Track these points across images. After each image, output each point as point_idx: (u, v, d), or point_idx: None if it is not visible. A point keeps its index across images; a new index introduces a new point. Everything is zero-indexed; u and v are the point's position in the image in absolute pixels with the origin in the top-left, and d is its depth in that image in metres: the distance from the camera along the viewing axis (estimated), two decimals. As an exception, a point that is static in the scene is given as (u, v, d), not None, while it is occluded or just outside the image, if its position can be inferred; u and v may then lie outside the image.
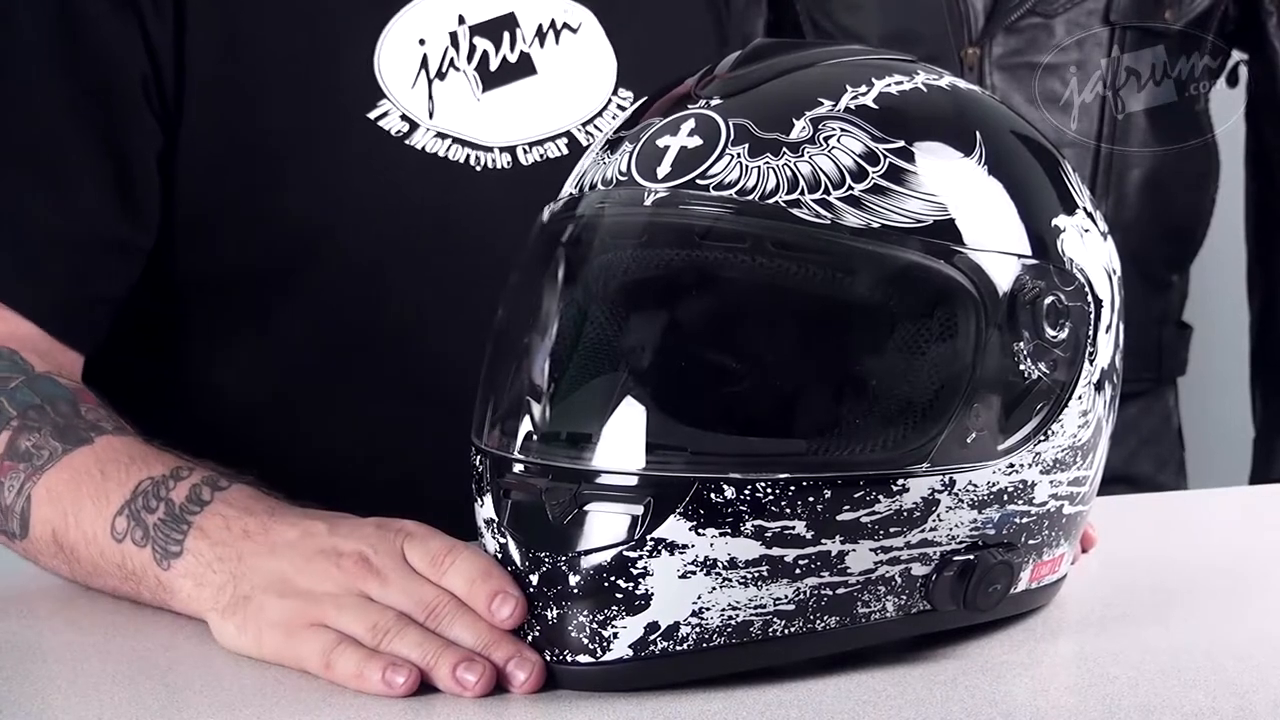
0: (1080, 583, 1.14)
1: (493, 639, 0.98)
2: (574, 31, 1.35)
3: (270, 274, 1.29)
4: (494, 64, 1.32)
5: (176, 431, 1.17)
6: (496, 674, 0.97)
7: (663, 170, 0.99)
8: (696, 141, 0.99)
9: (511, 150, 1.31)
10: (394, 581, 1.01)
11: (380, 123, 1.29)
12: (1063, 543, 1.07)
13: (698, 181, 0.98)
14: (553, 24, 1.35)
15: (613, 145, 1.03)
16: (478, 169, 1.30)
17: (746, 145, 0.98)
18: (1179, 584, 1.17)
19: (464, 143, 1.30)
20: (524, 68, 1.34)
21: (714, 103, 1.01)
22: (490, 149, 1.31)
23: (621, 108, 1.34)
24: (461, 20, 1.32)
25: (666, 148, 1.00)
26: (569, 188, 1.06)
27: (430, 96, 1.30)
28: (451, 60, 1.31)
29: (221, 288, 1.30)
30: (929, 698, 0.96)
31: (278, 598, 1.02)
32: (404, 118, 1.29)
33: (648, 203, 0.99)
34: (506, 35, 1.33)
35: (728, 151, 0.98)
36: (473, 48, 1.32)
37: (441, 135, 1.30)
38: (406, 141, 1.29)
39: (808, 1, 1.94)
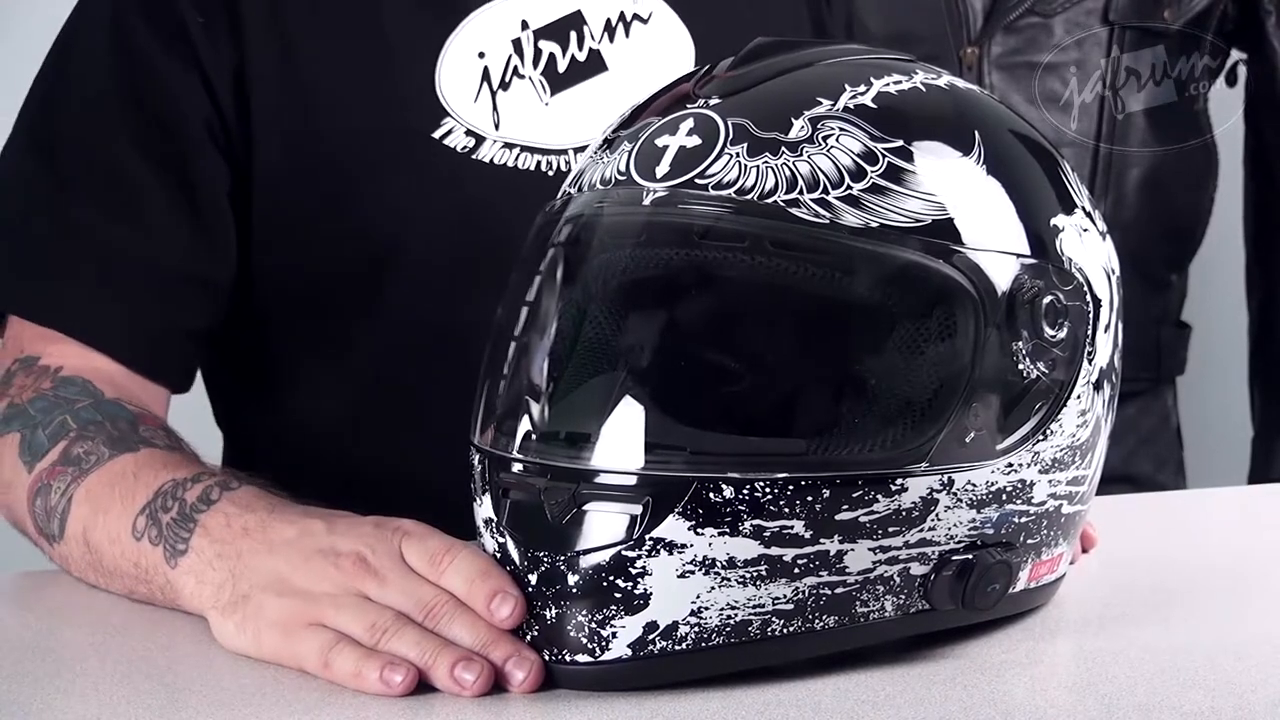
0: (1079, 582, 1.14)
1: (491, 638, 0.98)
2: (644, 22, 1.35)
3: (344, 294, 1.30)
4: (562, 65, 1.32)
5: (267, 457, 1.18)
6: (495, 673, 0.97)
7: (661, 170, 0.99)
8: (695, 141, 0.99)
9: (585, 150, 1.31)
10: (392, 581, 1.01)
11: (445, 141, 1.29)
12: (1061, 542, 1.07)
13: (696, 181, 0.98)
14: (621, 17, 1.34)
15: (611, 144, 1.03)
16: (550, 174, 1.30)
17: (745, 145, 0.98)
18: (1178, 584, 1.17)
19: (533, 150, 1.30)
20: (594, 65, 1.33)
21: (713, 102, 1.01)
22: (563, 151, 1.31)
23: None
24: (525, 25, 1.32)
25: (665, 147, 1.00)
26: (568, 187, 1.06)
27: (495, 108, 1.30)
28: (515, 68, 1.31)
29: (298, 310, 1.32)
30: (928, 697, 0.96)
31: (276, 597, 1.02)
32: (469, 133, 1.29)
33: (646, 202, 0.99)
34: (574, 34, 1.33)
35: (726, 151, 0.98)
36: (538, 52, 1.32)
37: (509, 145, 1.30)
38: (473, 156, 1.29)
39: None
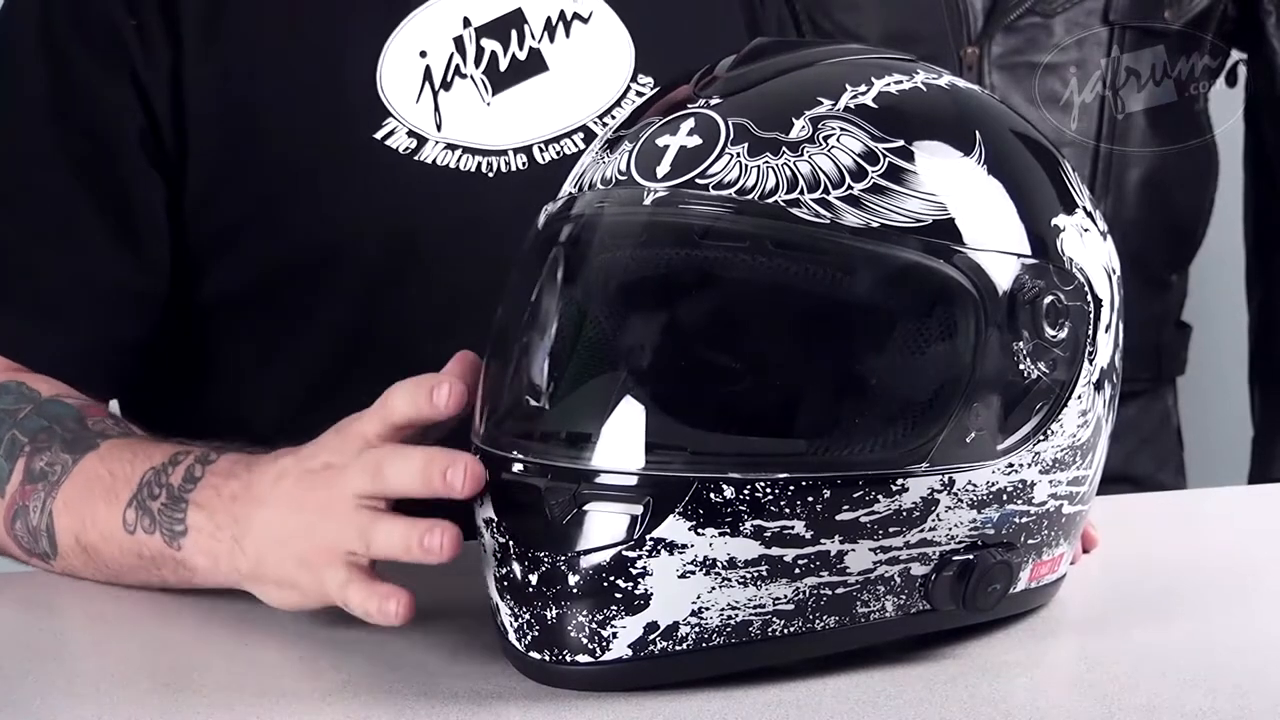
0: (1080, 582, 1.14)
1: (427, 458, 1.00)
2: (584, 21, 1.34)
3: (288, 296, 1.30)
4: (503, 64, 1.32)
5: None
6: (459, 533, 1.00)
7: (662, 170, 0.99)
8: (696, 141, 0.99)
9: (527, 150, 1.31)
10: (350, 465, 1.03)
11: (388, 142, 1.28)
12: (1062, 542, 1.07)
13: (697, 181, 0.98)
14: (562, 16, 1.34)
15: (612, 145, 1.03)
16: (490, 175, 1.30)
17: (746, 145, 0.98)
18: (1179, 584, 1.17)
19: (474, 150, 1.30)
20: (534, 65, 1.33)
21: (713, 102, 1.01)
22: (504, 152, 1.30)
23: (641, 94, 1.33)
24: (467, 23, 1.31)
25: (666, 147, 1.00)
26: (568, 187, 1.05)
27: (436, 108, 1.29)
28: (457, 68, 1.30)
29: (242, 312, 1.31)
30: (929, 698, 0.96)
31: (286, 545, 1.05)
32: (411, 134, 1.29)
33: (647, 202, 0.99)
34: (514, 33, 1.32)
35: (727, 151, 0.98)
36: (480, 50, 1.31)
37: (451, 146, 1.29)
38: (415, 157, 1.29)
39: (807, 0, 1.94)
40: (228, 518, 1.08)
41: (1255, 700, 0.97)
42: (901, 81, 1.03)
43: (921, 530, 0.98)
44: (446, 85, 1.30)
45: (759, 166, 0.98)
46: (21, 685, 1.00)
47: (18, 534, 1.18)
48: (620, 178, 1.01)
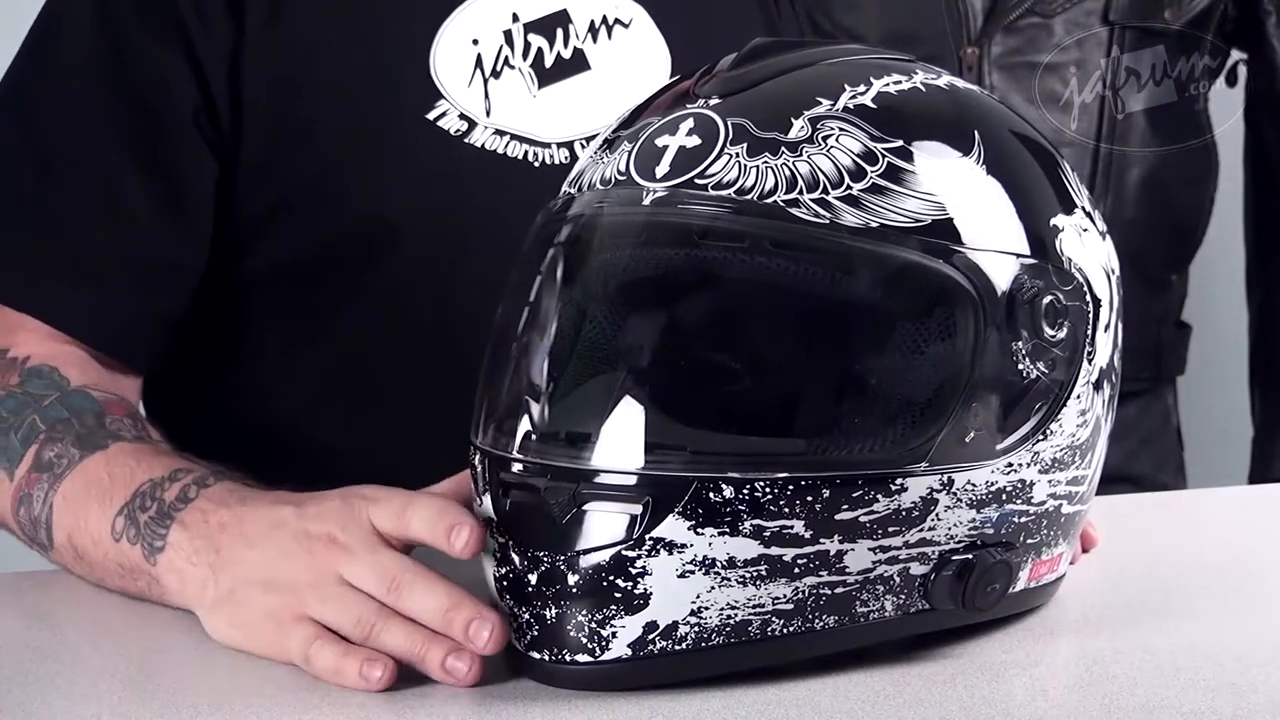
0: (1079, 582, 1.14)
1: (452, 602, 0.98)
2: (625, 27, 1.37)
3: (332, 274, 1.30)
4: (549, 60, 1.34)
5: (231, 437, 1.19)
6: (484, 662, 0.97)
7: (661, 170, 0.99)
8: (695, 141, 0.99)
9: (569, 145, 1.32)
10: (360, 555, 1.01)
11: (439, 123, 1.30)
12: (1061, 542, 1.07)
13: (696, 181, 0.98)
14: (604, 20, 1.36)
15: (611, 144, 1.03)
16: (536, 165, 1.31)
17: (745, 145, 0.98)
18: (1178, 584, 1.17)
19: (522, 139, 1.31)
20: (578, 63, 1.35)
21: (712, 102, 1.01)
22: (548, 145, 1.32)
23: None
24: (515, 18, 1.33)
25: (665, 147, 1.00)
26: (568, 187, 1.06)
27: (486, 95, 1.31)
28: (506, 58, 1.32)
29: (284, 290, 1.32)
30: (928, 698, 0.96)
31: (262, 592, 1.02)
32: (462, 116, 1.30)
33: (646, 202, 0.99)
34: (560, 32, 1.34)
35: (726, 151, 0.98)
36: (527, 44, 1.33)
37: (500, 132, 1.31)
38: (466, 140, 1.30)
39: (807, 1, 1.94)
40: (208, 545, 1.06)
41: (1255, 700, 0.97)
42: (900, 82, 1.03)
43: (921, 530, 0.98)
44: (496, 74, 1.31)
45: (758, 166, 0.98)
46: (21, 685, 1.00)
47: (21, 520, 1.18)
48: (619, 178, 1.01)
